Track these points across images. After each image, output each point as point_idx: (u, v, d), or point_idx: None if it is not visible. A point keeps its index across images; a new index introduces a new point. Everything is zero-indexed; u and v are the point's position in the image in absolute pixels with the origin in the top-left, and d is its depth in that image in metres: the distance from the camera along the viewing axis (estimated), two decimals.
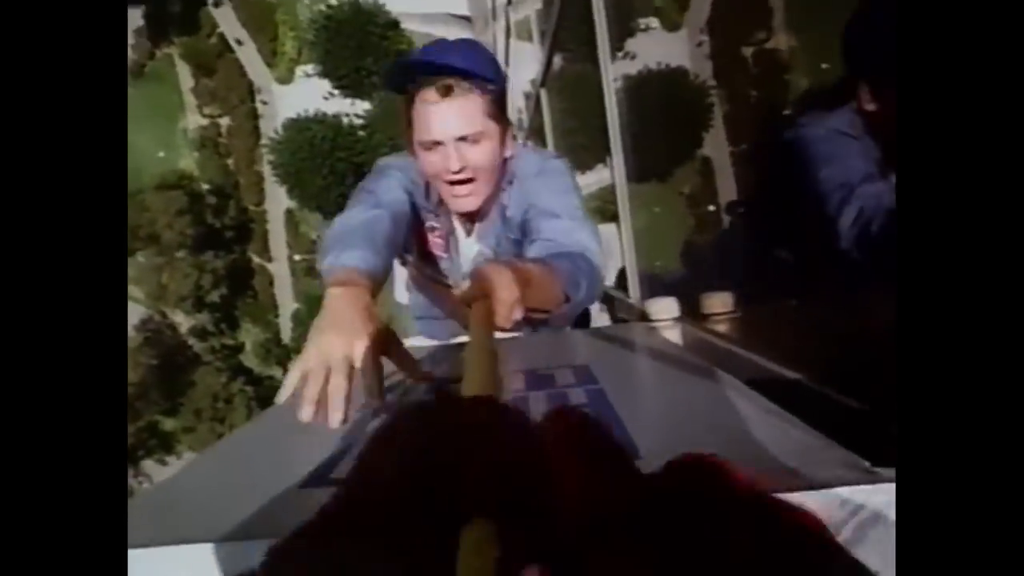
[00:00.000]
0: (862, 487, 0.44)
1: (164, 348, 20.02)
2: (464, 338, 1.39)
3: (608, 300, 2.31)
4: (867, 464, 0.49)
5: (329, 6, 18.17)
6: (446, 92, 1.18)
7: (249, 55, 21.04)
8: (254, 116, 21.09)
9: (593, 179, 7.60)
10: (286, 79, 20.78)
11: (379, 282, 1.01)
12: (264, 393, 19.19)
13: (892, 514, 0.42)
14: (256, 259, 21.36)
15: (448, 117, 1.20)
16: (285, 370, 0.84)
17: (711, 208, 16.88)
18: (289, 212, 20.68)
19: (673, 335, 1.56)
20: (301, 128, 17.80)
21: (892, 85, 1.27)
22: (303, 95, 19.39)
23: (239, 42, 21.06)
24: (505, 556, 0.20)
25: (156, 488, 0.68)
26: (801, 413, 0.65)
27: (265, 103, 21.03)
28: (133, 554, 0.47)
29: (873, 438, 0.51)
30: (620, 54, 15.75)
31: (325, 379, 0.73)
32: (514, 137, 1.34)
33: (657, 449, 0.56)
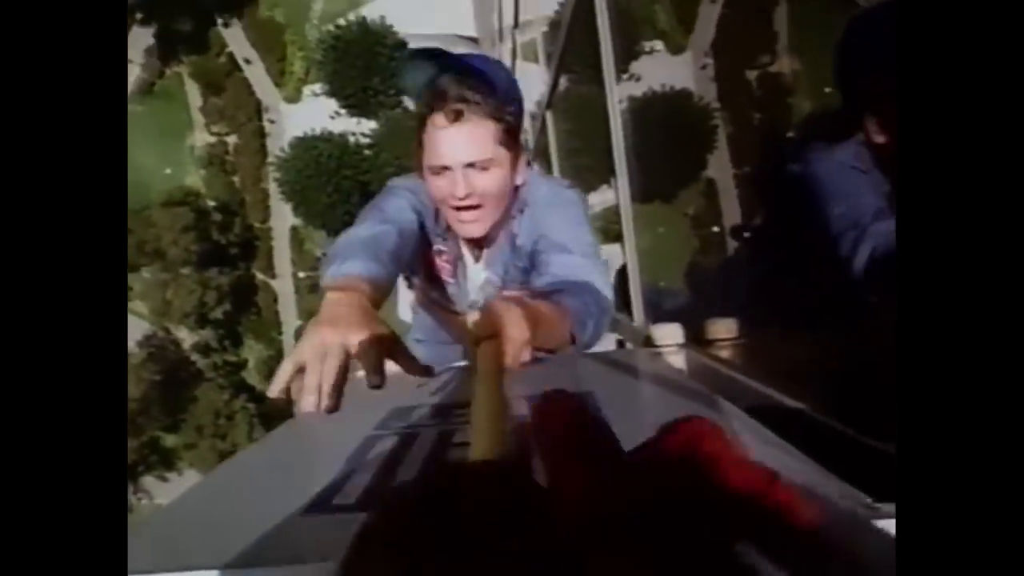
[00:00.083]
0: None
1: (167, 364, 19.99)
2: (464, 363, 1.38)
3: (612, 322, 2.29)
4: (868, 500, 0.49)
5: (337, 27, 18.33)
6: (456, 117, 1.16)
7: (257, 74, 21.21)
8: (261, 134, 21.20)
9: (597, 200, 7.62)
10: (294, 98, 20.92)
11: (381, 291, 0.99)
12: (266, 411, 19.12)
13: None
14: (260, 276, 21.38)
15: (457, 142, 1.18)
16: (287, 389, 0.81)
17: (715, 229, 16.90)
18: (294, 229, 20.73)
19: (677, 361, 1.55)
20: (308, 147, 17.90)
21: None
22: (310, 114, 19.51)
23: (248, 61, 21.23)
24: None
25: (157, 514, 0.67)
26: (802, 443, 0.64)
27: (272, 122, 21.16)
28: None
29: (874, 472, 0.51)
30: (625, 76, 15.86)
31: (322, 369, 0.71)
32: (528, 164, 1.32)
33: None
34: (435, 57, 1.24)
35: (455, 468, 0.24)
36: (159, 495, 19.92)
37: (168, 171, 21.09)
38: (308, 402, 0.69)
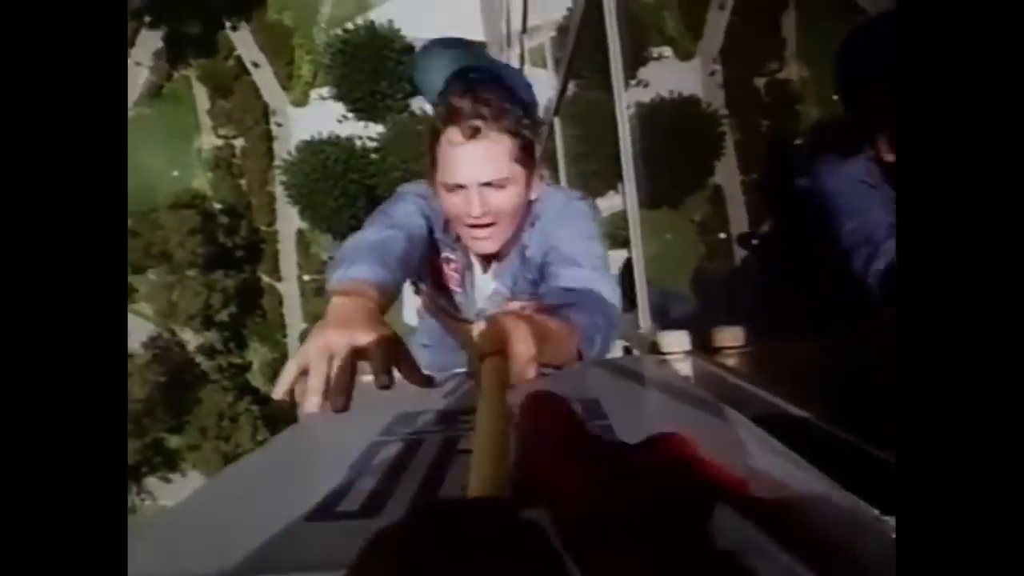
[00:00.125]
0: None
1: (172, 365, 20.08)
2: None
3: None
4: (876, 512, 0.47)
5: (345, 31, 18.44)
6: (473, 134, 1.13)
7: (265, 78, 21.33)
8: (268, 138, 21.33)
9: (604, 205, 7.62)
10: (301, 102, 21.04)
11: (387, 297, 0.96)
12: (270, 413, 19.19)
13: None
14: (266, 279, 21.47)
15: (473, 161, 1.14)
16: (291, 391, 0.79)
17: (722, 236, 16.90)
18: (300, 233, 20.82)
19: (684, 368, 1.54)
20: (314, 150, 17.99)
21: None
22: (317, 118, 19.61)
23: (256, 65, 21.36)
24: None
25: (159, 518, 0.66)
26: (808, 453, 0.64)
27: (280, 125, 21.28)
28: None
29: (881, 483, 0.50)
30: (633, 82, 15.89)
31: (328, 370, 0.69)
32: (541, 177, 1.29)
33: None
34: (454, 53, 1.21)
35: (450, 506, 0.24)
36: (162, 496, 19.99)
37: (175, 174, 21.22)
38: (311, 403, 0.67)
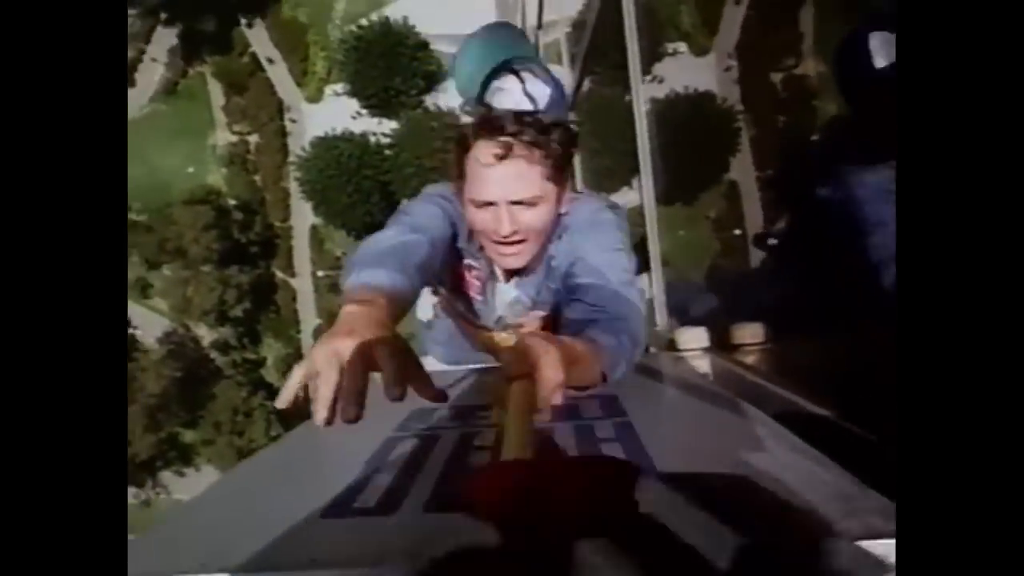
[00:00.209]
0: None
1: (186, 361, 20.22)
2: (484, 365, 1.36)
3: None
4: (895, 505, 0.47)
5: (360, 27, 18.44)
6: (506, 153, 1.09)
7: (280, 74, 21.40)
8: (283, 134, 21.40)
9: (619, 202, 7.58)
10: (315, 98, 21.08)
11: (402, 305, 0.92)
12: (284, 408, 19.29)
13: None
14: (280, 275, 21.56)
15: (506, 181, 1.10)
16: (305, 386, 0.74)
17: (737, 232, 16.80)
18: (314, 229, 20.89)
19: (702, 365, 1.53)
20: (329, 146, 18.02)
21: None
22: (331, 114, 19.63)
23: (270, 61, 21.44)
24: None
25: (174, 513, 0.66)
26: (829, 450, 0.63)
27: (294, 121, 21.34)
28: None
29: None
30: (648, 78, 15.81)
31: (338, 378, 0.65)
32: (572, 190, 1.25)
33: None
34: (498, 49, 1.16)
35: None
36: (177, 490, 20.15)
37: (190, 170, 21.34)
38: (318, 416, 0.64)
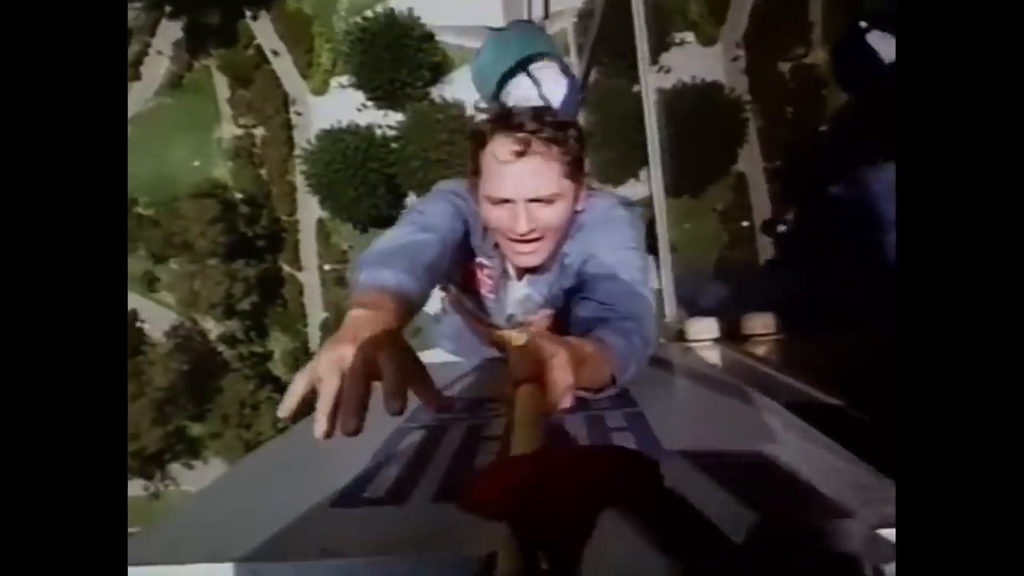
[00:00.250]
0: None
1: (194, 354, 20.33)
2: (493, 356, 1.35)
3: None
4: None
5: (365, 18, 18.44)
6: (524, 149, 1.07)
7: (285, 67, 21.42)
8: (288, 127, 21.43)
9: (625, 194, 7.57)
10: (321, 90, 21.10)
11: (411, 307, 0.90)
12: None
13: None
14: (287, 268, 21.64)
15: (523, 178, 1.09)
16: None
17: (745, 224, 16.76)
18: (320, 222, 20.94)
19: (712, 356, 1.52)
20: (334, 139, 18.05)
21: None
22: (337, 106, 19.67)
23: (276, 53, 21.45)
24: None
25: (183, 504, 0.65)
26: (841, 440, 0.63)
27: (299, 114, 21.37)
28: (159, 570, 0.47)
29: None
30: (655, 68, 15.74)
31: (339, 387, 0.64)
32: (588, 187, 1.24)
33: None
34: (519, 45, 1.15)
35: None
36: (185, 482, 20.31)
37: (196, 163, 21.40)
38: (318, 428, 0.61)
